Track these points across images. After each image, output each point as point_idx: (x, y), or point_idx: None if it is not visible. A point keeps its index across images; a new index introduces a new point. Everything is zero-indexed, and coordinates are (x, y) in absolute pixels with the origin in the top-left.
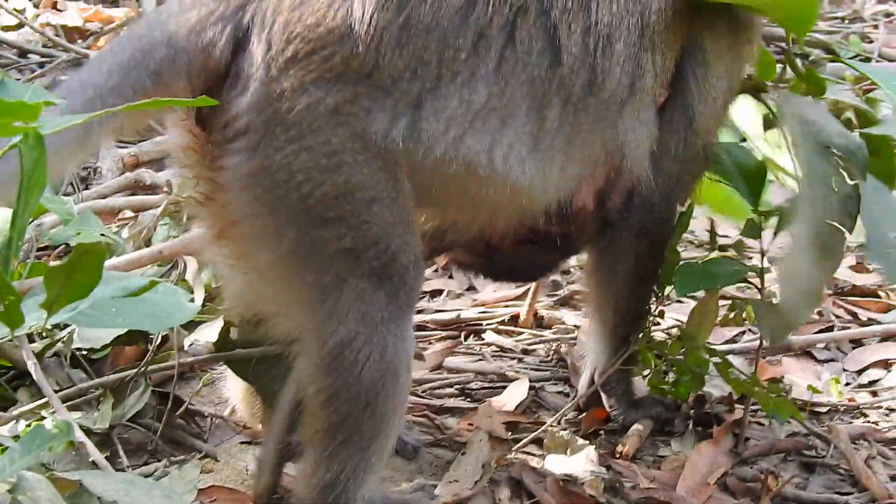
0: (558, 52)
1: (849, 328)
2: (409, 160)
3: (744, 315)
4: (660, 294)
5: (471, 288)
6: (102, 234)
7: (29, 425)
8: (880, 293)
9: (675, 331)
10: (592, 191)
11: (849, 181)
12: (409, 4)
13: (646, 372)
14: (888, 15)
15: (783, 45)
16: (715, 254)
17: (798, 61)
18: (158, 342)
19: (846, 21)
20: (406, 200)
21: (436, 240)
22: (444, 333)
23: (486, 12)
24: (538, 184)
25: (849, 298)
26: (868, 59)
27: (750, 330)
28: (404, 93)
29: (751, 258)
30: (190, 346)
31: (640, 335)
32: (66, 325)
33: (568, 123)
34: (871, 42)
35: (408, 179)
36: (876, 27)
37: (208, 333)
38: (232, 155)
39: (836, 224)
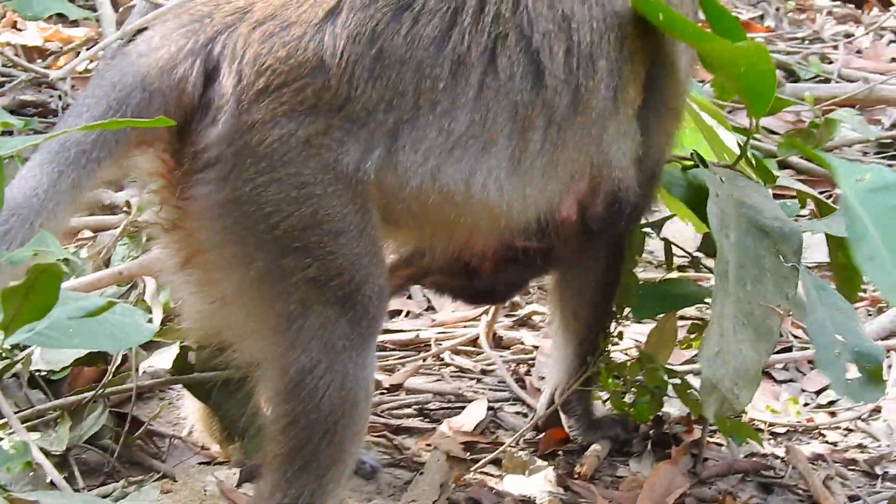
0: (541, 75)
1: (807, 348)
2: (382, 191)
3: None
4: (619, 315)
5: (430, 308)
6: (65, 258)
7: None
8: None
9: (634, 351)
10: (576, 201)
11: (784, 263)
12: (382, 36)
13: (604, 395)
14: (848, 36)
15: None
16: (673, 274)
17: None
18: (118, 363)
19: (806, 42)
20: (374, 231)
21: (412, 265)
22: (402, 354)
23: (462, 41)
24: (517, 205)
25: None
26: (828, 80)
27: None
28: (379, 124)
29: (709, 279)
30: (144, 372)
31: (600, 356)
32: (27, 346)
33: (551, 144)
34: (831, 63)
35: (382, 208)
36: (836, 48)
37: (164, 359)
38: (201, 185)
39: (770, 306)
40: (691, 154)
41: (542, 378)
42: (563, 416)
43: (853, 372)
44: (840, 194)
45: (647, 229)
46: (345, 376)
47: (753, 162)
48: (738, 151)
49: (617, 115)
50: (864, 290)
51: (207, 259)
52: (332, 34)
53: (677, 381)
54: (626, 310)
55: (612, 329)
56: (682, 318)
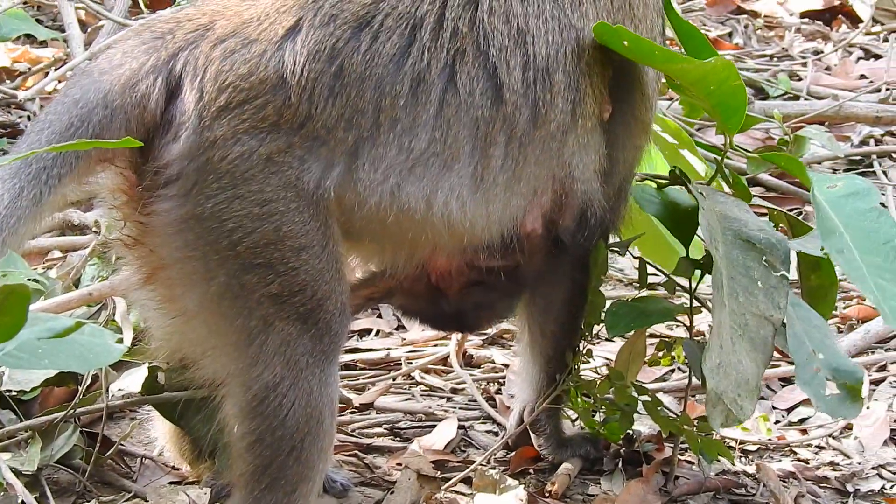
0: (500, 91)
1: (778, 365)
2: (342, 208)
3: (672, 354)
4: (588, 334)
5: (400, 327)
6: (34, 279)
7: None
8: None
9: (604, 370)
10: (540, 215)
11: (773, 273)
12: (342, 54)
13: (574, 415)
14: (816, 53)
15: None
16: (645, 292)
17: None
18: (88, 383)
19: (775, 59)
20: (336, 248)
21: (373, 285)
22: (372, 372)
23: (422, 58)
24: (480, 222)
25: None
26: (797, 98)
27: (679, 368)
28: (339, 142)
29: (680, 297)
30: (114, 395)
31: (569, 374)
32: None
33: (512, 159)
34: (800, 80)
35: (342, 224)
36: (804, 65)
37: (133, 380)
38: (163, 201)
39: (763, 316)
40: (670, 171)
41: (513, 396)
42: (532, 435)
43: (831, 388)
44: (813, 199)
45: (616, 248)
46: (309, 393)
47: (730, 179)
48: (703, 174)
49: (576, 128)
50: (836, 308)
51: (169, 275)
52: (292, 52)
53: (647, 398)
54: (596, 328)
55: (580, 347)
56: (650, 335)
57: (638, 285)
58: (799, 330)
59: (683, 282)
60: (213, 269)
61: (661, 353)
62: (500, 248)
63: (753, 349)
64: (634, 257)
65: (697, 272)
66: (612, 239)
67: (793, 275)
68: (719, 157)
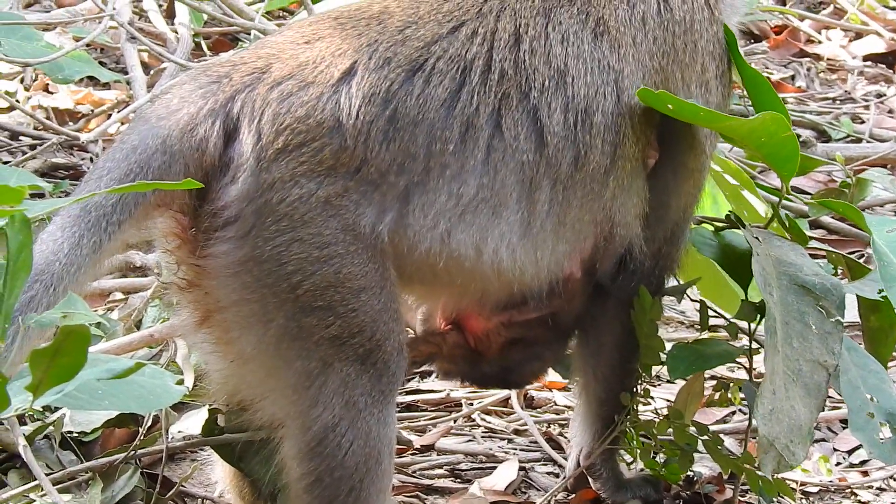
0: (542, 134)
1: (839, 407)
2: (395, 252)
3: (729, 395)
4: (646, 375)
5: None
6: (98, 323)
7: None
8: None
9: (664, 411)
10: (580, 259)
11: (828, 319)
12: (396, 98)
13: (630, 459)
14: (879, 95)
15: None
16: (706, 334)
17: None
18: (149, 424)
19: (837, 102)
20: (393, 288)
21: (414, 351)
22: (433, 414)
23: (471, 102)
24: (530, 270)
25: None
26: (859, 140)
27: (740, 410)
28: (391, 186)
29: (741, 338)
30: (174, 437)
31: (627, 416)
32: (58, 408)
33: (557, 204)
34: (863, 122)
35: (394, 268)
36: (867, 108)
37: (194, 423)
38: (221, 243)
39: (817, 361)
40: (726, 215)
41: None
42: (590, 479)
43: (885, 432)
44: (872, 244)
45: (671, 293)
46: (368, 433)
47: (787, 223)
48: (764, 215)
49: (615, 170)
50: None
51: (225, 318)
52: (347, 95)
53: (707, 437)
54: (655, 370)
55: (637, 388)
56: (711, 377)
57: (699, 327)
58: (854, 375)
59: (742, 324)
60: (271, 312)
61: (717, 395)
62: (546, 295)
63: (807, 395)
64: (693, 300)
65: (758, 315)
66: (670, 282)
67: (854, 316)
68: (777, 200)
